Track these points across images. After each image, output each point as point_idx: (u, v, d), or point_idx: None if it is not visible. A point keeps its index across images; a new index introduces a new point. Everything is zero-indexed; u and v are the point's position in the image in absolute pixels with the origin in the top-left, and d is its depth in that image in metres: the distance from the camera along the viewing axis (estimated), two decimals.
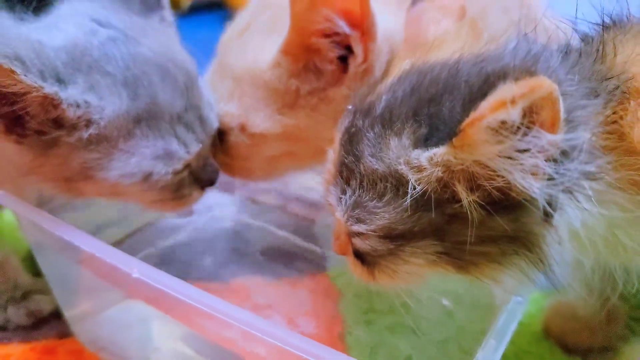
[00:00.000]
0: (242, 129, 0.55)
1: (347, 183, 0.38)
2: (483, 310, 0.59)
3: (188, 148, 0.49)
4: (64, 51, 0.43)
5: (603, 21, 0.40)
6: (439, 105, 0.34)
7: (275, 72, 0.51)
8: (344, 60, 0.50)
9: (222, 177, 0.81)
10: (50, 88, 0.40)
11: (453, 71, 0.35)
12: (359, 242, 0.39)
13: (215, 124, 0.53)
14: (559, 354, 0.57)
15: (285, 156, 0.58)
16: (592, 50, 0.37)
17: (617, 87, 0.35)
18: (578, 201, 0.33)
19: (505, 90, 0.28)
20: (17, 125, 0.43)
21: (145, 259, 0.67)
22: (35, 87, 0.39)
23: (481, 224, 0.33)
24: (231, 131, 0.56)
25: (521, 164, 0.30)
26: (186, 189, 0.52)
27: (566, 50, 0.38)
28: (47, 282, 0.57)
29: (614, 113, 0.34)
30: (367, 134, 0.37)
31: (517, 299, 0.37)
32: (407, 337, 0.57)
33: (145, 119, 0.46)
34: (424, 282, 0.41)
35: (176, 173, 0.49)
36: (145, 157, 0.46)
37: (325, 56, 0.49)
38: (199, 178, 0.53)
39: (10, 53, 0.38)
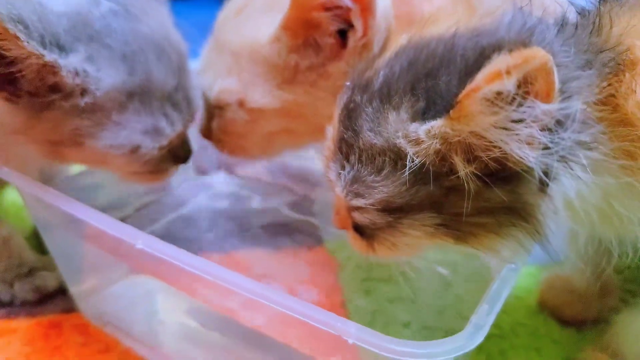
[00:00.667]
0: (241, 104, 0.55)
1: (346, 158, 0.39)
2: (480, 279, 0.60)
3: (174, 126, 0.51)
4: (66, 18, 0.43)
5: None
6: (436, 79, 0.34)
7: (274, 47, 0.52)
8: (343, 36, 0.50)
9: (222, 157, 0.82)
10: (50, 56, 0.41)
11: (449, 45, 0.35)
12: (358, 216, 0.40)
13: (199, 105, 0.55)
14: (553, 326, 0.58)
15: (283, 133, 0.58)
16: (589, 23, 0.38)
17: (612, 59, 0.35)
18: (573, 170, 0.34)
19: (500, 62, 0.29)
20: (10, 84, 0.43)
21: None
22: (35, 54, 0.40)
23: (478, 195, 0.34)
24: (229, 107, 0.56)
25: (517, 134, 0.31)
26: (164, 164, 0.54)
27: (562, 23, 0.38)
28: (53, 259, 0.58)
29: (609, 85, 0.35)
30: (366, 109, 0.37)
31: (510, 266, 0.38)
32: (406, 305, 0.59)
33: (139, 95, 0.47)
34: (422, 253, 0.42)
35: (161, 149, 0.51)
36: (135, 131, 0.48)
37: (325, 30, 0.50)
38: (176, 155, 0.55)
39: (15, 15, 0.38)
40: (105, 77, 0.44)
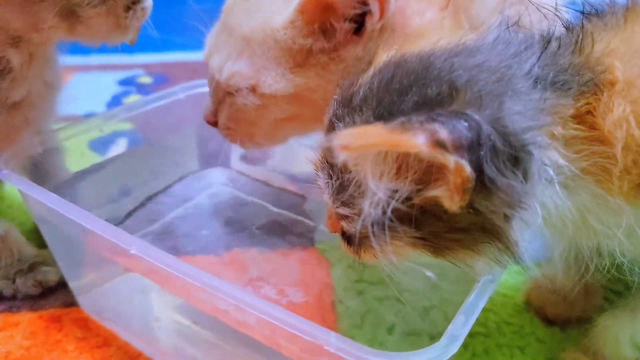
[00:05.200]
0: (253, 89, 0.55)
1: (332, 168, 0.39)
2: (466, 283, 0.61)
3: None
4: None
5: (584, 10, 0.41)
6: (405, 97, 0.34)
7: (289, 31, 0.51)
8: (357, 21, 0.50)
9: (221, 154, 0.83)
10: None
11: (425, 64, 0.35)
12: (345, 225, 0.41)
13: None
14: (538, 324, 0.59)
15: (292, 119, 0.58)
16: (571, 42, 0.38)
17: (591, 79, 0.36)
18: (548, 189, 0.35)
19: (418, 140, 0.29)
20: None
21: (145, 233, 0.70)
22: None
23: (450, 216, 0.34)
24: (240, 92, 0.56)
25: None
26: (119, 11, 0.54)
27: (549, 39, 0.39)
28: (52, 254, 0.60)
29: (587, 103, 0.36)
30: (344, 123, 0.38)
31: (488, 277, 0.40)
32: (394, 306, 0.60)
33: None
34: (407, 259, 0.43)
35: None
36: None
37: (341, 14, 0.49)
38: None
39: None
40: None
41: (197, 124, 0.72)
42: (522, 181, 0.32)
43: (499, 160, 0.31)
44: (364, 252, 0.42)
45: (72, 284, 0.60)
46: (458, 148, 0.29)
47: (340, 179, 0.39)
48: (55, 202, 0.49)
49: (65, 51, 0.64)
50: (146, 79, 1.30)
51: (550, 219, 0.38)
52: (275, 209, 0.77)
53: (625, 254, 0.40)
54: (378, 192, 0.33)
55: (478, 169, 0.30)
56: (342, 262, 0.67)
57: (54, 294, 0.62)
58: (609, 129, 0.35)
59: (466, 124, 0.30)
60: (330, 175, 0.40)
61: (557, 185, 0.35)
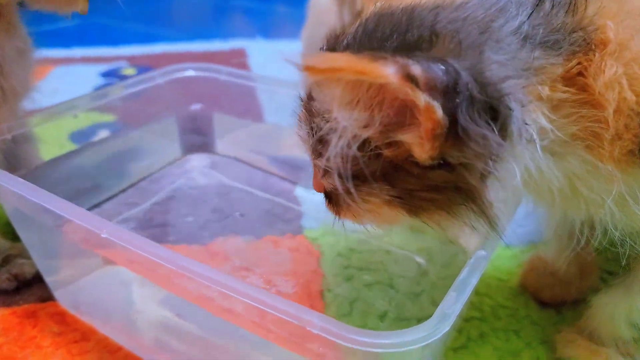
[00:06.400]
0: None
1: (313, 118, 0.38)
2: (456, 268, 0.60)
3: None
4: None
5: None
6: (385, 44, 0.33)
7: None
8: None
9: (204, 139, 0.81)
10: None
11: (409, 14, 0.34)
12: (325, 182, 0.40)
13: None
14: (534, 307, 0.58)
15: None
16: (565, 2, 0.37)
17: (582, 39, 0.34)
18: (529, 150, 0.33)
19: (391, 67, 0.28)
20: None
21: (125, 221, 0.68)
22: None
23: (423, 174, 0.33)
24: None
25: None
26: None
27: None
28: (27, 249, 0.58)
29: (578, 64, 0.34)
30: None
31: (480, 253, 0.38)
32: (383, 292, 0.58)
33: None
34: (386, 222, 0.41)
35: None
36: None
37: None
38: None
39: None
40: None
41: (178, 110, 0.70)
42: (497, 134, 0.30)
43: (474, 109, 0.29)
44: (343, 210, 0.40)
45: (48, 278, 0.58)
46: (431, 88, 0.28)
47: (318, 128, 0.37)
48: (28, 190, 0.47)
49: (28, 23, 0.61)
50: (130, 71, 1.27)
51: (534, 184, 0.36)
52: (262, 195, 0.74)
53: (616, 225, 0.39)
54: (342, 122, 0.31)
55: (452, 118, 0.29)
56: (332, 250, 0.65)
57: (29, 289, 0.60)
58: (600, 90, 0.33)
59: (443, 67, 0.28)
60: (311, 126, 0.38)
61: (539, 148, 0.33)
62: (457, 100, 0.29)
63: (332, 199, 0.41)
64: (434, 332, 0.32)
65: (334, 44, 0.37)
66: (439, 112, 0.28)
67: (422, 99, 0.28)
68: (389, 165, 0.34)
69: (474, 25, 0.32)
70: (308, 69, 0.28)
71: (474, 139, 0.30)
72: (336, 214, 0.41)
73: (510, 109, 0.31)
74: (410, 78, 0.27)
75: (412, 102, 0.28)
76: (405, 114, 0.30)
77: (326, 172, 0.38)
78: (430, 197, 0.34)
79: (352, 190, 0.36)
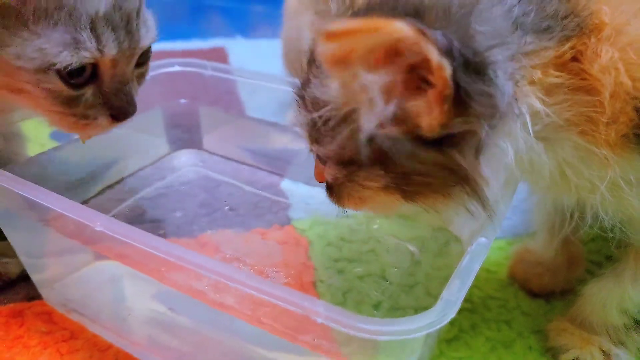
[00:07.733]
0: None
1: (309, 105, 0.38)
2: (449, 257, 0.60)
3: (102, 45, 0.45)
4: None
5: None
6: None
7: None
8: None
9: (191, 135, 0.80)
10: None
11: None
12: (325, 172, 0.40)
13: (144, 42, 0.50)
14: (523, 298, 0.59)
15: None
16: None
17: (577, 24, 0.35)
18: (519, 127, 0.34)
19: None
20: None
21: (115, 216, 0.67)
22: None
23: (414, 156, 0.33)
24: None
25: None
26: (92, 110, 0.49)
27: None
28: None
29: (572, 48, 0.34)
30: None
31: (481, 240, 0.38)
32: (377, 283, 0.58)
33: (67, 7, 0.43)
34: (385, 210, 0.41)
35: (79, 86, 0.46)
36: (51, 41, 0.43)
37: None
38: (109, 103, 0.49)
39: None
40: None
41: (164, 105, 0.69)
42: (495, 88, 0.31)
43: (469, 73, 0.30)
44: (345, 199, 0.40)
45: (35, 277, 0.56)
46: (438, 49, 0.28)
47: (315, 116, 0.37)
48: (16, 184, 0.45)
49: None
50: None
51: (528, 166, 0.37)
52: (249, 189, 0.74)
53: (607, 210, 0.40)
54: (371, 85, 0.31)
55: (454, 81, 0.29)
56: (322, 240, 0.65)
57: (14, 288, 0.58)
58: (596, 75, 0.34)
59: (440, 31, 0.29)
60: (307, 112, 0.38)
61: (531, 131, 0.34)
62: (455, 63, 0.29)
63: (332, 189, 0.41)
64: (439, 319, 0.32)
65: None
66: (449, 70, 0.28)
67: (435, 54, 0.28)
68: (379, 148, 0.34)
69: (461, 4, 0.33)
70: (329, 36, 0.28)
71: (475, 97, 0.30)
72: (337, 203, 0.41)
73: (497, 76, 0.32)
74: (421, 31, 0.28)
75: (424, 61, 0.28)
76: (413, 82, 0.30)
77: (325, 160, 0.38)
78: (424, 180, 0.35)
79: (350, 175, 0.36)
